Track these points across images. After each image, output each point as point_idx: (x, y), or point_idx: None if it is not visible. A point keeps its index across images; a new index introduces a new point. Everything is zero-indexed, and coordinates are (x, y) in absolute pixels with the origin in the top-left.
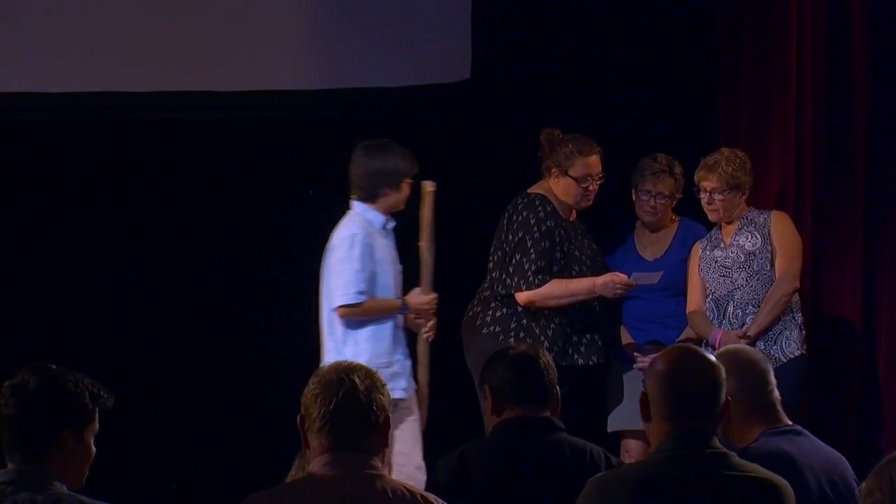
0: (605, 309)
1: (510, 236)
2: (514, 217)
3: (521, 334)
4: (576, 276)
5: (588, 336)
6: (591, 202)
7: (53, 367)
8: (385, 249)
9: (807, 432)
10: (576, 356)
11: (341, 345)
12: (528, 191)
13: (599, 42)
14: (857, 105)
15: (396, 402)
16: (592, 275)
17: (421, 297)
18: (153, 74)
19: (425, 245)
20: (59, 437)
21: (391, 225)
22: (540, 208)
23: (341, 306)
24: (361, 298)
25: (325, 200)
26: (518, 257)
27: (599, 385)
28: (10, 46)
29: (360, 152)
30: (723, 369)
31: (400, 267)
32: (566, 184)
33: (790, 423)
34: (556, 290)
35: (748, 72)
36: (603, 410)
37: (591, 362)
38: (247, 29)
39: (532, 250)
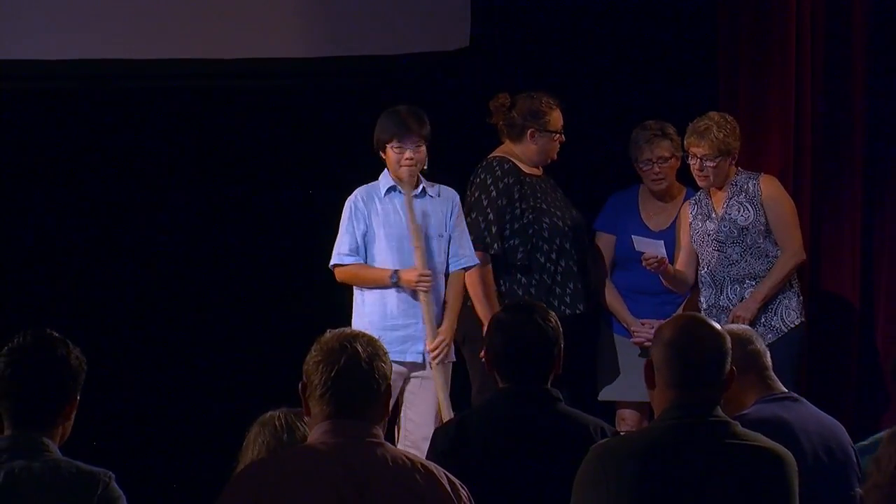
0: (582, 258)
1: (469, 199)
2: (474, 180)
3: (504, 298)
4: (547, 229)
5: (571, 285)
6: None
7: (54, 333)
8: (388, 214)
9: (803, 399)
10: (562, 307)
11: (358, 306)
12: (489, 156)
13: (599, 9)
14: (856, 74)
15: (413, 365)
16: (565, 226)
17: (412, 271)
18: (152, 42)
19: (416, 237)
20: (66, 406)
21: (405, 189)
22: (497, 168)
23: (331, 268)
24: (345, 260)
25: (319, 170)
26: (473, 216)
27: (587, 340)
28: (5, 13)
29: None
30: (728, 339)
31: (419, 224)
32: (545, 140)
33: (785, 390)
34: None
35: (748, 41)
36: (591, 368)
37: (577, 311)
38: None
39: (488, 209)
